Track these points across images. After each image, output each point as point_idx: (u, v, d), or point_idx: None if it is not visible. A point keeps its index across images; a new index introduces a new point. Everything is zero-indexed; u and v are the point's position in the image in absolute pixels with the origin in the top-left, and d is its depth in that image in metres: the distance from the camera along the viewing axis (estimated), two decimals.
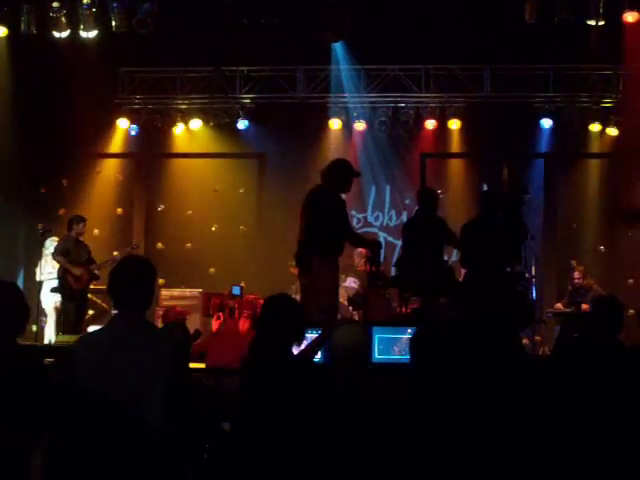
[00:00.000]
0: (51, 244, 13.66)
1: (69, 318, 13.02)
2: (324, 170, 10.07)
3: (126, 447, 2.55)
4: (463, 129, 16.08)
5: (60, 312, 13.40)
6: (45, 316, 13.92)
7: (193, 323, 13.28)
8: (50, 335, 13.54)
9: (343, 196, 10.03)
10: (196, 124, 16.46)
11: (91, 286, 13.91)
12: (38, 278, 13.97)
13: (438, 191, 12.14)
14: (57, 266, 13.22)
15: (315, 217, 9.71)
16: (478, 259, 9.97)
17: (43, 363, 5.68)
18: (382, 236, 16.53)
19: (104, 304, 13.61)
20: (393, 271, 12.28)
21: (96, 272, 13.43)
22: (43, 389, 4.59)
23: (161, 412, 4.50)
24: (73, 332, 12.42)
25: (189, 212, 16.84)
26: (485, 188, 12.67)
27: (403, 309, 10.83)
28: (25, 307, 5.19)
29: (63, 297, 13.21)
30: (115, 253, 13.87)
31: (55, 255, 13.16)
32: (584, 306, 13.02)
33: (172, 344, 4.84)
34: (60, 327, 13.09)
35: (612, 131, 15.66)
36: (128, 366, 4.58)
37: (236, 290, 11.67)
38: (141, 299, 4.83)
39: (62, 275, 13.08)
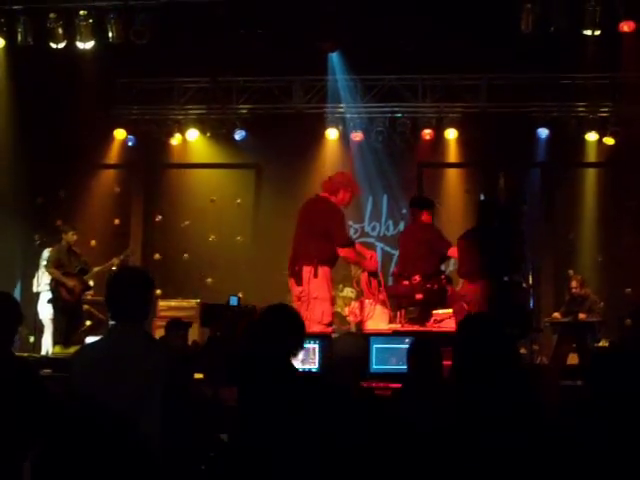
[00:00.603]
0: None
1: (61, 331, 12.97)
2: (326, 181, 10.09)
3: (121, 457, 2.54)
4: (460, 139, 16.10)
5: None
6: (42, 327, 13.89)
7: (191, 334, 13.27)
8: (47, 346, 13.51)
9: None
10: (193, 135, 16.49)
11: (88, 297, 13.91)
12: (35, 289, 13.95)
13: (434, 201, 12.14)
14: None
15: (312, 227, 9.73)
16: (476, 269, 9.97)
17: (39, 373, 5.67)
18: (379, 246, 16.56)
19: (101, 315, 13.57)
20: (390, 281, 12.28)
21: (90, 282, 13.42)
22: (39, 398, 4.59)
23: (158, 423, 4.49)
24: (66, 344, 12.43)
25: (186, 223, 16.84)
26: (482, 198, 12.66)
27: (400, 319, 10.82)
28: (19, 316, 5.19)
29: (55, 309, 13.15)
30: (109, 262, 13.84)
31: (48, 267, 13.10)
32: (581, 315, 13.03)
33: (170, 355, 4.83)
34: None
35: (609, 140, 15.67)
36: (125, 377, 4.57)
37: (233, 300, 11.68)
38: (138, 310, 4.82)
39: (55, 287, 13.03)
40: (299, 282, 9.71)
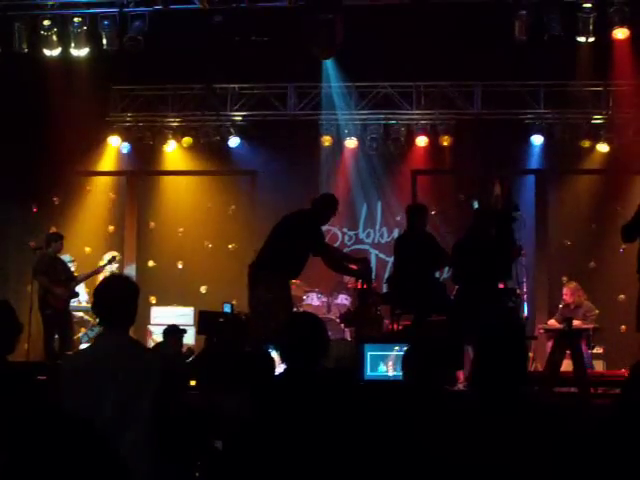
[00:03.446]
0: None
1: (50, 340, 12.89)
2: (313, 198, 10.26)
3: (99, 468, 2.53)
4: (454, 146, 16.09)
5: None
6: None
7: (186, 341, 13.26)
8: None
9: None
10: (187, 142, 16.46)
11: (84, 304, 13.90)
12: None
13: (430, 210, 12.13)
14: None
15: (281, 236, 9.86)
16: (470, 276, 9.98)
17: (34, 380, 5.65)
18: (373, 253, 16.54)
19: (95, 322, 13.54)
20: (384, 288, 12.28)
21: (76, 289, 13.38)
22: (33, 406, 4.58)
23: (147, 430, 4.50)
24: (55, 353, 12.37)
25: (180, 230, 16.83)
26: (476, 206, 12.66)
27: (395, 326, 10.81)
28: (17, 324, 5.18)
29: (43, 318, 13.01)
30: (94, 269, 13.82)
31: (37, 275, 13.01)
32: (576, 322, 13.00)
33: (159, 362, 4.84)
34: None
35: (602, 147, 15.69)
36: (113, 384, 4.58)
37: (227, 308, 11.76)
38: (125, 317, 4.87)
39: (43, 295, 12.93)
40: (252, 286, 9.88)
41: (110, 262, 14.15)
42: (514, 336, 4.41)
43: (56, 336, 12.94)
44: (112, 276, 7.46)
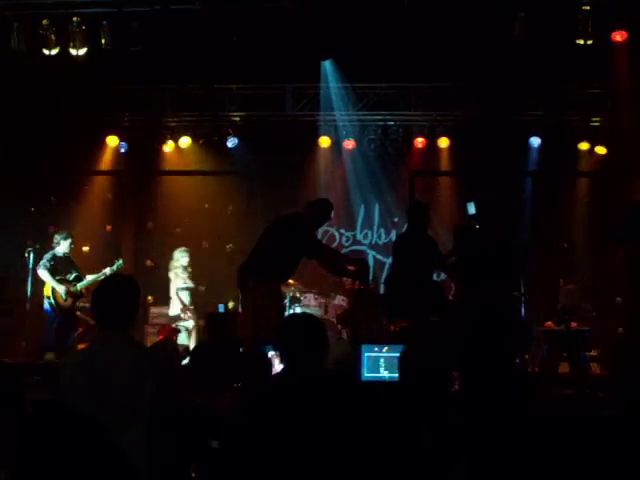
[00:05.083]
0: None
1: (50, 339, 12.89)
2: (308, 202, 10.27)
3: (102, 468, 2.52)
4: (452, 147, 16.10)
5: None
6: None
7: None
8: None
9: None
10: (185, 142, 16.46)
11: (80, 304, 13.87)
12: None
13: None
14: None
15: (272, 238, 9.88)
16: (470, 276, 9.98)
17: (19, 380, 5.64)
18: (371, 254, 16.54)
19: (92, 321, 13.52)
20: (382, 289, 12.27)
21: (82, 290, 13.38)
22: (19, 406, 4.57)
23: (146, 430, 4.48)
24: (59, 352, 12.38)
25: (178, 230, 16.82)
26: (472, 209, 12.61)
27: (392, 327, 10.80)
28: None
29: (46, 316, 13.03)
30: (101, 272, 13.79)
31: (40, 270, 13.02)
32: (573, 324, 13.01)
33: (158, 362, 4.82)
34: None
35: (601, 150, 15.69)
36: (111, 385, 4.56)
37: (221, 308, 11.93)
38: (125, 317, 4.82)
39: (52, 292, 12.95)
40: (242, 289, 9.92)
41: (117, 270, 14.14)
42: (500, 336, 4.42)
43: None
44: (113, 276, 7.44)
